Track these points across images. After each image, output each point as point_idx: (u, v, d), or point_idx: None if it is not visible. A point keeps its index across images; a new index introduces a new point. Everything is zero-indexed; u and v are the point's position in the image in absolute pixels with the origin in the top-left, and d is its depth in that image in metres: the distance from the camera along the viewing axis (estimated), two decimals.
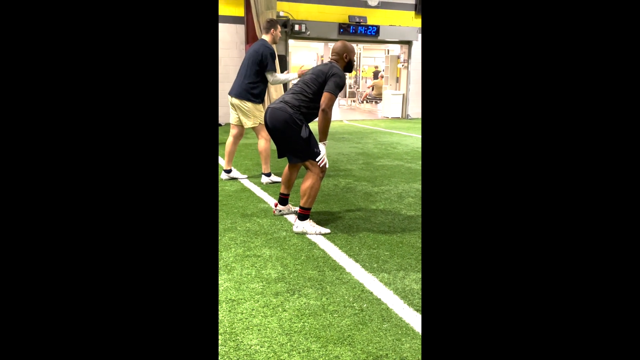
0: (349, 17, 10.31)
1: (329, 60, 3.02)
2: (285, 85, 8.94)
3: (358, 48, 16.08)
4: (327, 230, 2.94)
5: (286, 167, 3.20)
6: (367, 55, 17.17)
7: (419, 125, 9.78)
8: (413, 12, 11.22)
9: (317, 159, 2.86)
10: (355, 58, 3.16)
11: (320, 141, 2.88)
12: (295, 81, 3.71)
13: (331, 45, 12.10)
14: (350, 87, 16.86)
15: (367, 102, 15.65)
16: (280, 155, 3.08)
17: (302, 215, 2.92)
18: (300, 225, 2.92)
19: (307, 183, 2.89)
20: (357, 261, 2.49)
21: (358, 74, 17.43)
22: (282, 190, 3.25)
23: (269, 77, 4.00)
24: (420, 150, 6.47)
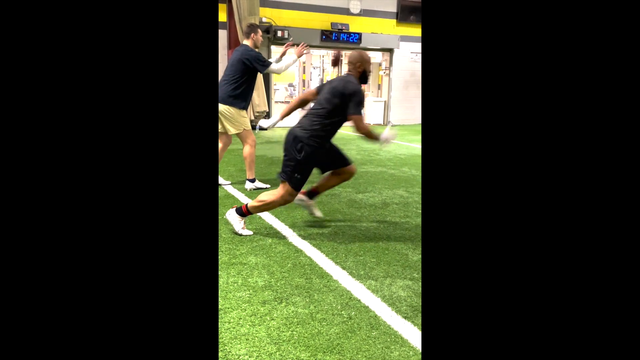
0: (332, 24, 10.38)
1: (346, 72, 2.95)
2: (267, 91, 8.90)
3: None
4: (251, 233, 3.00)
5: (330, 173, 3.16)
6: None
7: (402, 132, 9.87)
8: (395, 20, 11.36)
9: (293, 187, 2.81)
10: (371, 68, 3.09)
11: (378, 139, 2.90)
12: (294, 64, 3.73)
13: (314, 52, 12.15)
14: None
15: None
16: (323, 171, 3.15)
17: (241, 210, 2.96)
18: (232, 216, 2.99)
19: (269, 196, 2.88)
20: (343, 268, 2.48)
21: None
22: (316, 186, 3.21)
23: (272, 70, 4.07)
24: (402, 157, 6.53)
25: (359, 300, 2.11)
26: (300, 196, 3.19)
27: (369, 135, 2.85)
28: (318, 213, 3.28)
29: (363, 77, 2.95)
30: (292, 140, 2.80)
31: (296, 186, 2.82)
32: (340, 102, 2.78)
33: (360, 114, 2.77)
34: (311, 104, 3.04)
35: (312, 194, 3.23)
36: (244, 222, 3.00)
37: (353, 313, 2.00)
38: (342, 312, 2.00)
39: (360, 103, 2.78)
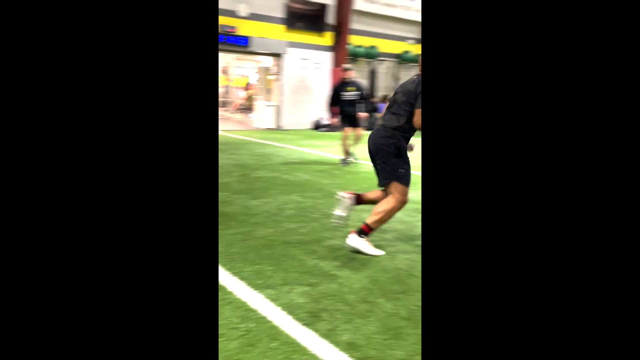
0: (220, 26, 10.16)
1: (416, 74, 2.87)
2: None
3: (230, 58, 15.92)
4: (382, 252, 2.83)
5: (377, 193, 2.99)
6: (238, 66, 17.10)
7: (293, 137, 9.99)
8: (284, 26, 11.47)
9: (402, 183, 2.75)
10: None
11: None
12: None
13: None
14: (221, 97, 16.57)
15: (239, 112, 15.53)
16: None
17: (362, 231, 2.80)
18: (356, 241, 2.80)
19: (385, 205, 2.77)
20: (241, 279, 2.40)
21: (228, 84, 17.24)
22: (362, 195, 3.03)
23: None
24: (295, 161, 6.60)
25: (257, 311, 2.06)
26: (346, 197, 3.00)
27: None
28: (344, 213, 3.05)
29: None
30: (382, 141, 2.77)
31: (406, 182, 2.77)
32: (415, 100, 2.71)
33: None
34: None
35: (357, 199, 3.03)
36: (370, 242, 2.83)
37: (252, 325, 1.93)
38: (240, 326, 1.93)
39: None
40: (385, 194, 2.86)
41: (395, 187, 2.77)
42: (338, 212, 3.03)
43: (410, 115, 2.74)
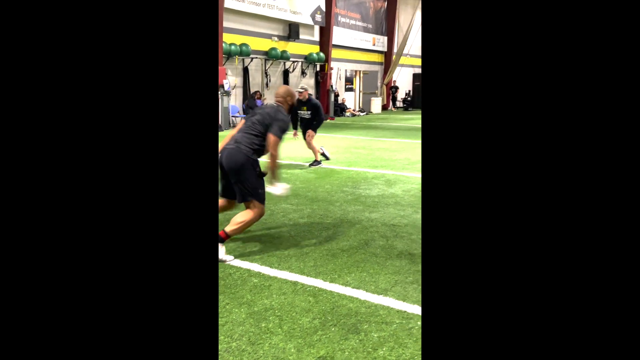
0: None
1: (275, 102, 3.32)
2: None
3: None
4: (232, 258, 3.13)
5: (221, 202, 3.30)
6: None
7: None
8: None
9: (260, 201, 3.11)
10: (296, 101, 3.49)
11: (272, 184, 3.19)
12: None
13: None
14: None
15: None
16: (223, 195, 3.25)
17: (220, 238, 3.06)
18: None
19: (245, 216, 3.11)
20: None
21: None
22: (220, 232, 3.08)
23: None
24: None
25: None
26: None
27: (274, 166, 3.15)
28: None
29: (291, 108, 3.41)
30: (241, 165, 3.01)
31: (264, 199, 3.16)
32: (270, 124, 3.12)
33: (279, 137, 3.12)
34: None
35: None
36: (224, 248, 3.11)
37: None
38: None
39: (283, 130, 3.16)
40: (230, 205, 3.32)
41: (255, 204, 3.10)
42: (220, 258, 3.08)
43: (264, 138, 3.10)
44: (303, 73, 16.01)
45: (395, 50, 20.61)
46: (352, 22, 18.29)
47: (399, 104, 21.83)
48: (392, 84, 21.10)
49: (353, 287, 2.73)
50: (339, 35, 17.22)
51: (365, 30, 19.24)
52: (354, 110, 18.53)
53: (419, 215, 4.26)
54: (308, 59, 15.74)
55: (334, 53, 17.00)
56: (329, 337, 2.17)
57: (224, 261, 3.07)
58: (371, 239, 3.61)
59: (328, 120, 15.54)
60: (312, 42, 16.23)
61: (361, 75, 20.05)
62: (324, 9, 16.00)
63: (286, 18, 14.67)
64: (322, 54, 15.95)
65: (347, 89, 18.98)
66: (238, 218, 3.12)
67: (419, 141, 9.69)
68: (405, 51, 20.51)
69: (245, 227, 3.15)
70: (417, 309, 2.46)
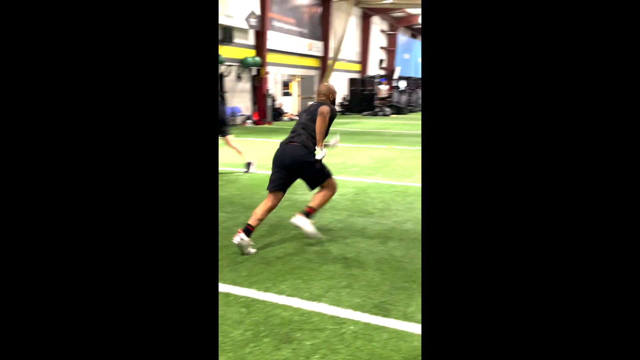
0: None
1: (317, 101, 3.63)
2: None
3: None
4: (319, 235, 3.60)
5: (271, 199, 3.46)
6: None
7: None
8: None
9: (330, 177, 3.54)
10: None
11: (317, 146, 3.40)
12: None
13: None
14: None
15: None
16: (282, 189, 3.52)
17: (307, 214, 3.52)
18: (301, 221, 3.48)
19: (325, 193, 3.55)
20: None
21: None
22: (255, 221, 3.38)
23: None
24: None
25: None
26: (242, 237, 3.33)
27: (322, 128, 3.40)
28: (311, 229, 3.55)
29: (333, 103, 3.74)
30: (304, 155, 3.37)
31: (331, 174, 3.58)
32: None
33: (325, 114, 3.39)
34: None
35: (249, 232, 3.37)
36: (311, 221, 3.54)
37: None
38: None
39: (332, 113, 3.51)
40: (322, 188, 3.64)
41: (328, 182, 3.59)
42: (310, 232, 3.52)
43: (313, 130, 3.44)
44: (239, 77, 15.81)
45: (330, 55, 20.89)
46: (288, 26, 18.32)
47: (337, 108, 22.11)
48: None
49: (287, 295, 2.71)
50: (274, 39, 17.18)
51: (301, 35, 19.34)
52: (292, 114, 18.55)
53: (354, 219, 4.33)
54: (244, 63, 15.57)
55: (270, 57, 16.94)
56: (261, 349, 2.14)
57: (313, 233, 3.51)
58: (306, 244, 3.61)
59: (266, 125, 15.44)
60: (248, 46, 16.08)
61: (298, 79, 20.13)
62: (258, 13, 15.90)
63: (219, 21, 14.46)
64: (258, 58, 15.84)
65: (284, 94, 18.97)
66: (319, 196, 3.56)
67: (355, 145, 9.87)
68: (340, 56, 20.84)
69: (327, 201, 3.61)
70: (349, 314, 2.48)
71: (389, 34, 28.35)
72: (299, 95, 20.31)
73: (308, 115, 3.55)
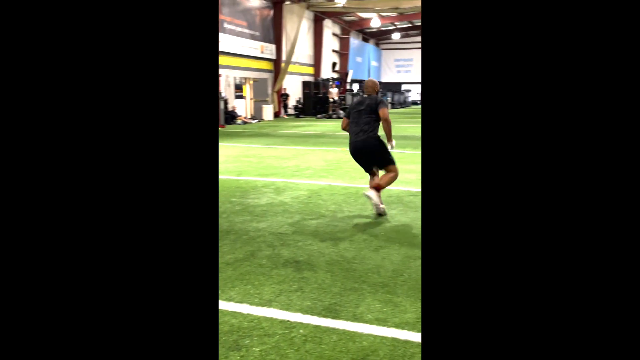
0: None
1: (367, 94, 4.58)
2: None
3: None
4: (382, 208, 4.46)
5: (371, 177, 4.66)
6: None
7: None
8: None
9: (394, 163, 4.51)
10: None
11: (389, 142, 4.46)
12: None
13: None
14: None
15: None
16: (368, 170, 4.67)
17: (377, 189, 4.41)
18: (373, 194, 4.35)
19: (390, 175, 4.49)
20: None
21: None
22: (374, 184, 4.48)
23: None
24: None
25: None
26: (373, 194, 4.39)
27: (389, 129, 4.44)
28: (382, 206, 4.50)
29: (377, 94, 4.67)
30: (375, 147, 4.43)
31: (394, 161, 4.56)
32: (376, 108, 4.43)
33: (388, 108, 4.46)
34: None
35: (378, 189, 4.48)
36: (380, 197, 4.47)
37: None
38: None
39: (388, 104, 4.60)
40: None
41: (391, 167, 4.53)
42: (376, 202, 4.39)
43: (377, 121, 4.43)
44: None
45: (283, 57, 20.87)
46: (239, 29, 18.14)
47: (291, 111, 22.12)
48: (283, 92, 21.31)
49: (236, 302, 2.67)
50: (226, 42, 16.96)
51: (253, 37, 19.20)
52: (245, 117, 18.37)
53: (306, 222, 4.33)
54: None
55: (222, 60, 16.70)
56: None
57: (378, 204, 4.38)
58: (258, 249, 3.57)
59: (219, 129, 15.20)
60: None
61: (251, 82, 19.96)
62: None
63: None
64: None
65: (237, 97, 18.75)
66: (385, 177, 4.46)
67: (309, 148, 9.90)
68: (293, 59, 20.85)
69: (392, 181, 4.46)
70: (299, 317, 2.47)
71: (341, 38, 28.67)
72: (252, 98, 20.14)
73: (367, 110, 4.46)
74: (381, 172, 4.69)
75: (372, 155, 4.50)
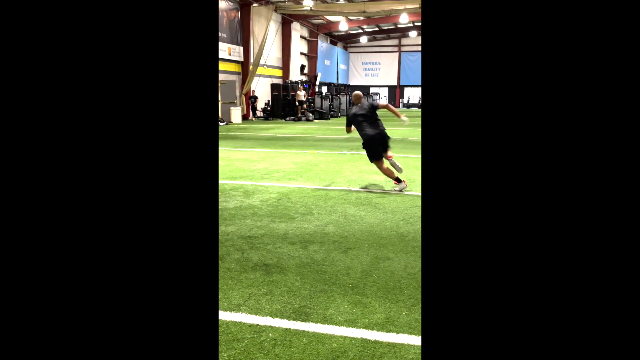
0: None
1: (358, 104, 5.96)
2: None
3: None
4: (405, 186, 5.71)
5: (383, 165, 5.82)
6: None
7: None
8: None
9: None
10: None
11: (400, 119, 5.93)
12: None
13: None
14: None
15: None
16: (381, 157, 5.77)
17: (390, 158, 5.86)
18: (402, 184, 5.74)
19: (388, 154, 5.81)
20: None
21: None
22: (395, 176, 5.78)
23: None
24: None
25: None
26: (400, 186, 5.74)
27: (394, 109, 5.90)
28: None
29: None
30: (383, 137, 5.76)
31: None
32: (376, 107, 5.89)
33: (388, 104, 5.92)
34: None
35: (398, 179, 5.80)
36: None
37: None
38: None
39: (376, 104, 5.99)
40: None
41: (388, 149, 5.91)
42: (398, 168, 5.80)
43: (379, 119, 5.81)
44: None
45: (252, 60, 20.73)
46: None
47: (259, 113, 21.99)
48: (251, 94, 21.17)
49: None
50: None
51: (220, 39, 19.01)
52: None
53: (276, 225, 4.30)
54: None
55: None
56: None
57: (397, 165, 5.82)
58: (226, 253, 3.52)
59: None
60: None
61: (219, 84, 19.74)
62: None
63: None
64: None
65: None
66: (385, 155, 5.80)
67: (278, 150, 9.86)
68: (261, 61, 20.74)
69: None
70: (269, 321, 2.45)
71: (309, 41, 28.73)
72: (220, 101, 19.91)
73: (369, 112, 5.79)
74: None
75: (385, 142, 5.87)
